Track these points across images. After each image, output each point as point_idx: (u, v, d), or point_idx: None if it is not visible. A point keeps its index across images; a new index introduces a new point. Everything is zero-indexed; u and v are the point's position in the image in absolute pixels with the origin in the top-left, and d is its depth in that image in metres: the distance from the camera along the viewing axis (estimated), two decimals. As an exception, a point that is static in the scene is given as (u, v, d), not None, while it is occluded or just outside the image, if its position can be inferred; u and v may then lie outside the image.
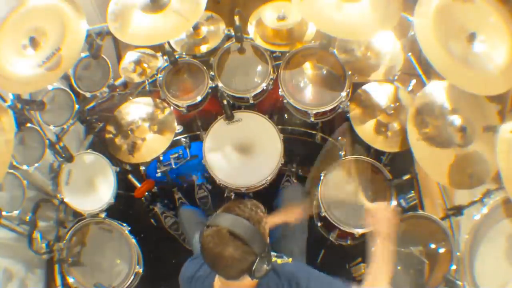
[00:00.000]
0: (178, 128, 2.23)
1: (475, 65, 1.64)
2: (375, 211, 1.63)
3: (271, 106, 2.42)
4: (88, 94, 2.19)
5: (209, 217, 1.30)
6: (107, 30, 1.95)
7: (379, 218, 1.60)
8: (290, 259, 1.77)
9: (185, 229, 2.19)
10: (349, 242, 2.17)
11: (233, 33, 2.22)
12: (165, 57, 2.24)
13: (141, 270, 2.06)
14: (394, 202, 1.97)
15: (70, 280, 2.00)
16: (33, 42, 1.77)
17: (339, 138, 2.28)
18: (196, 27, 2.30)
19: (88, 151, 2.20)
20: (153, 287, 2.36)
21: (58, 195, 2.10)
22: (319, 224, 2.17)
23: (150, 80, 2.33)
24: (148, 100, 2.27)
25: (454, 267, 1.79)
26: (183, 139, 2.36)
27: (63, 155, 2.05)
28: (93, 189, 2.12)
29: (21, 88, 1.84)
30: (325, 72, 2.19)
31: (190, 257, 1.64)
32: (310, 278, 1.40)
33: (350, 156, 2.09)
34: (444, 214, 1.97)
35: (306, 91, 2.16)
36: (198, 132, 2.41)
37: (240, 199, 1.32)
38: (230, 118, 2.18)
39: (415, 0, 1.70)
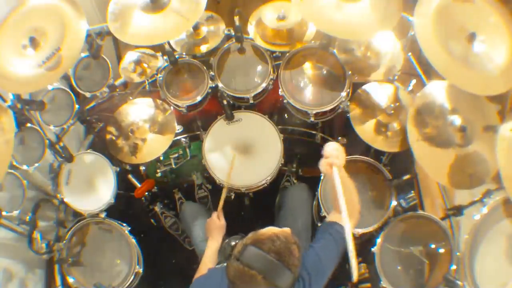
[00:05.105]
0: (178, 128, 2.23)
1: (475, 65, 1.64)
2: (326, 151, 1.55)
3: (271, 106, 2.42)
4: (88, 94, 2.19)
5: (233, 240, 1.23)
6: (107, 30, 1.95)
7: (331, 153, 1.53)
8: None
9: (187, 225, 2.15)
10: (349, 242, 2.17)
11: (233, 33, 2.22)
12: (165, 57, 2.23)
13: (141, 270, 2.06)
14: (394, 202, 1.97)
15: (70, 280, 2.00)
16: (33, 42, 1.77)
17: (339, 138, 2.28)
18: (196, 27, 2.30)
19: (88, 151, 2.20)
20: (153, 287, 2.37)
21: (58, 195, 2.10)
22: (319, 224, 2.17)
23: (150, 80, 2.33)
24: (149, 101, 2.26)
25: (454, 267, 1.79)
26: (183, 139, 2.36)
27: (63, 155, 2.05)
28: (93, 189, 2.12)
29: (21, 88, 1.84)
30: (325, 72, 2.19)
31: None
32: (316, 260, 1.45)
33: (350, 156, 2.09)
34: (444, 214, 1.97)
35: (306, 91, 2.16)
36: (198, 132, 2.40)
37: (275, 229, 1.23)
38: (230, 118, 2.18)
39: (415, 0, 1.71)
